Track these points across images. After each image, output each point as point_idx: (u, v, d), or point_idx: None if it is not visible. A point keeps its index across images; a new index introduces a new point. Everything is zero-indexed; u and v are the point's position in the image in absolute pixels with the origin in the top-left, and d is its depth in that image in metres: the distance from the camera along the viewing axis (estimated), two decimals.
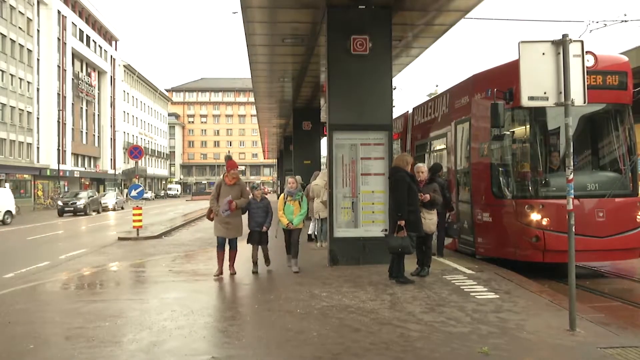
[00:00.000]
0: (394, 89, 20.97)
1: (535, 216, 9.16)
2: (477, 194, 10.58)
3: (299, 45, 13.84)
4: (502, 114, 8.91)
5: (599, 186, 9.36)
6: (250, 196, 9.62)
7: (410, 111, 15.66)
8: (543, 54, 5.82)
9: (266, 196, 10.05)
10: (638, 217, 9.39)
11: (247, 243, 9.69)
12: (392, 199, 8.41)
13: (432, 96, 14.93)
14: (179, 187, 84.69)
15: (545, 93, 5.76)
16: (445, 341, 5.37)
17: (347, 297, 7.39)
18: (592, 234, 8.98)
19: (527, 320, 6.12)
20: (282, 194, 10.03)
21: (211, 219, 9.71)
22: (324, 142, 13.77)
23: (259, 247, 9.69)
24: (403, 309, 6.71)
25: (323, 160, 18.86)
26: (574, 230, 5.85)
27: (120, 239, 18.42)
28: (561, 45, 5.77)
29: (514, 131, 9.62)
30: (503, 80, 9.61)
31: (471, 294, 7.53)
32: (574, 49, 5.78)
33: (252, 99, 29.25)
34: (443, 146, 12.75)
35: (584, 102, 5.80)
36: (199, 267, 10.73)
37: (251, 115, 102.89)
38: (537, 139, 9.53)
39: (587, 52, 6.65)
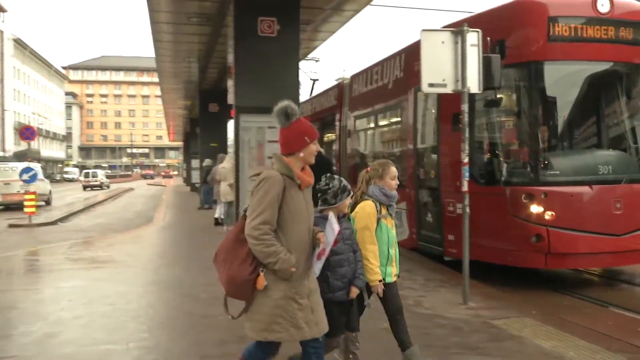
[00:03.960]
0: (317, 60, 20.85)
1: (536, 208, 6.92)
2: (449, 179, 7.99)
3: (206, 25, 13.49)
4: (498, 71, 6.41)
5: (613, 169, 7.20)
6: None
7: (348, 80, 13.02)
8: (443, 42, 6.08)
9: None
10: None
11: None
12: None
13: (340, 81, 14.23)
14: (76, 170, 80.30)
15: (444, 80, 6.03)
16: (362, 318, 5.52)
17: None
18: (607, 230, 6.92)
19: (425, 297, 6.46)
20: None
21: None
22: (231, 124, 13.60)
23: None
24: None
25: (231, 143, 18.62)
26: (468, 211, 6.18)
27: (11, 226, 17.19)
28: (459, 34, 6.04)
29: (501, 98, 7.28)
30: (490, 28, 6.84)
31: None
32: (471, 38, 6.07)
33: (156, 79, 28.15)
34: (396, 119, 10.40)
35: (480, 90, 6.13)
36: (99, 254, 10.26)
37: (155, 96, 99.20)
38: (538, 107, 7.31)
39: None
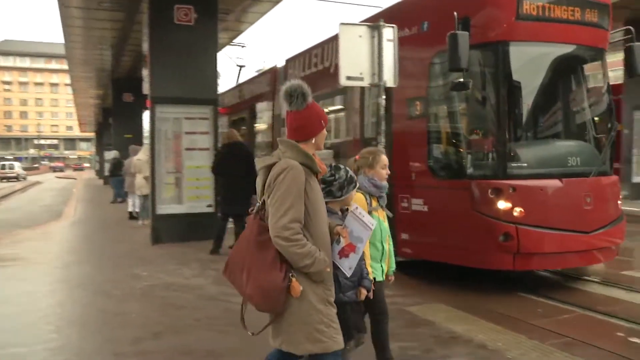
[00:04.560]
0: (243, 46, 20.39)
1: (503, 204, 6.26)
2: (402, 172, 7.07)
3: (119, 11, 12.97)
4: (466, 50, 5.87)
5: (581, 161, 6.66)
6: None
7: (282, 64, 11.95)
8: (360, 36, 6.17)
9: None
10: (619, 202, 7.15)
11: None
12: None
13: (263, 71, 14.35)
14: None
15: (361, 73, 6.13)
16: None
17: (171, 275, 7.22)
18: (578, 227, 6.42)
19: None
20: None
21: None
22: (147, 115, 13.15)
23: None
24: (228, 283, 6.72)
25: (146, 134, 18.04)
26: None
27: None
28: (376, 29, 6.17)
29: (470, 81, 6.27)
30: (453, 5, 6.31)
31: None
32: (387, 33, 6.21)
33: (66, 67, 26.74)
34: (339, 107, 9.63)
35: (395, 84, 6.29)
36: (4, 251, 9.60)
37: (65, 85, 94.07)
38: (505, 93, 6.45)
39: None
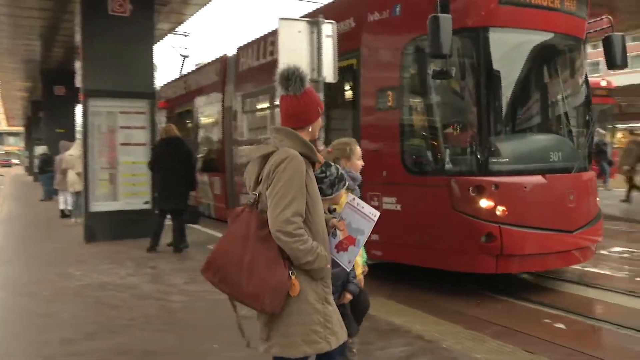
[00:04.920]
0: (186, 35, 19.62)
1: (486, 202, 5.84)
2: (374, 168, 6.24)
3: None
4: (449, 34, 5.42)
5: (563, 156, 6.35)
6: None
7: (234, 52, 11.39)
8: (299, 32, 6.17)
9: None
10: (597, 199, 6.89)
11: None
12: None
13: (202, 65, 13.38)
14: None
15: None
16: (210, 309, 5.38)
17: (105, 274, 6.97)
18: (562, 227, 6.12)
19: None
20: None
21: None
22: (80, 109, 12.60)
23: None
24: (165, 282, 6.61)
25: (79, 128, 17.34)
26: None
27: None
28: (315, 25, 6.18)
29: (453, 68, 5.82)
30: None
31: None
32: (326, 29, 6.23)
33: None
34: None
35: (334, 80, 6.32)
36: None
37: None
38: (486, 82, 6.08)
39: None
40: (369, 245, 6.17)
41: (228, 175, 11.58)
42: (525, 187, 5.96)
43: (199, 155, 12.88)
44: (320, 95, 6.17)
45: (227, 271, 2.44)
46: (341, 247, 2.78)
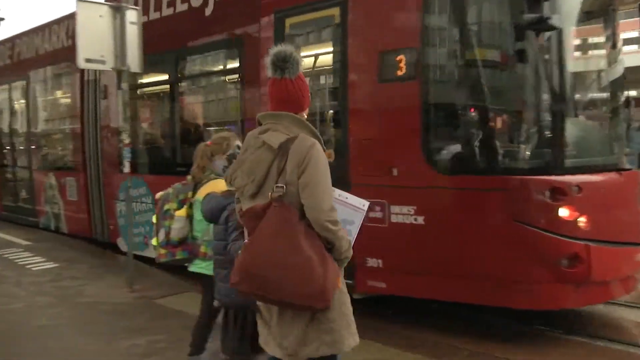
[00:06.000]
0: (2, 20, 16.21)
1: (566, 212, 4.14)
2: (372, 165, 4.71)
3: None
4: None
5: (618, 149, 4.92)
6: None
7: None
8: (101, 16, 5.79)
9: None
10: None
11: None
12: None
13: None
14: None
15: (102, 56, 5.77)
16: (1, 321, 4.98)
17: None
18: (630, 239, 4.51)
19: (88, 285, 6.22)
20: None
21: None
22: None
23: None
24: None
25: None
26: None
27: None
28: (118, 11, 5.85)
29: (551, 16, 4.05)
30: None
31: (27, 266, 7.19)
32: (130, 16, 5.92)
33: None
34: (234, 65, 6.22)
35: (140, 70, 6.05)
36: None
37: None
38: (564, 64, 4.37)
39: None
40: (364, 274, 4.75)
41: (91, 174, 8.29)
42: (606, 188, 4.38)
43: (34, 147, 10.00)
44: (124, 85, 5.89)
45: (268, 276, 2.18)
46: None
